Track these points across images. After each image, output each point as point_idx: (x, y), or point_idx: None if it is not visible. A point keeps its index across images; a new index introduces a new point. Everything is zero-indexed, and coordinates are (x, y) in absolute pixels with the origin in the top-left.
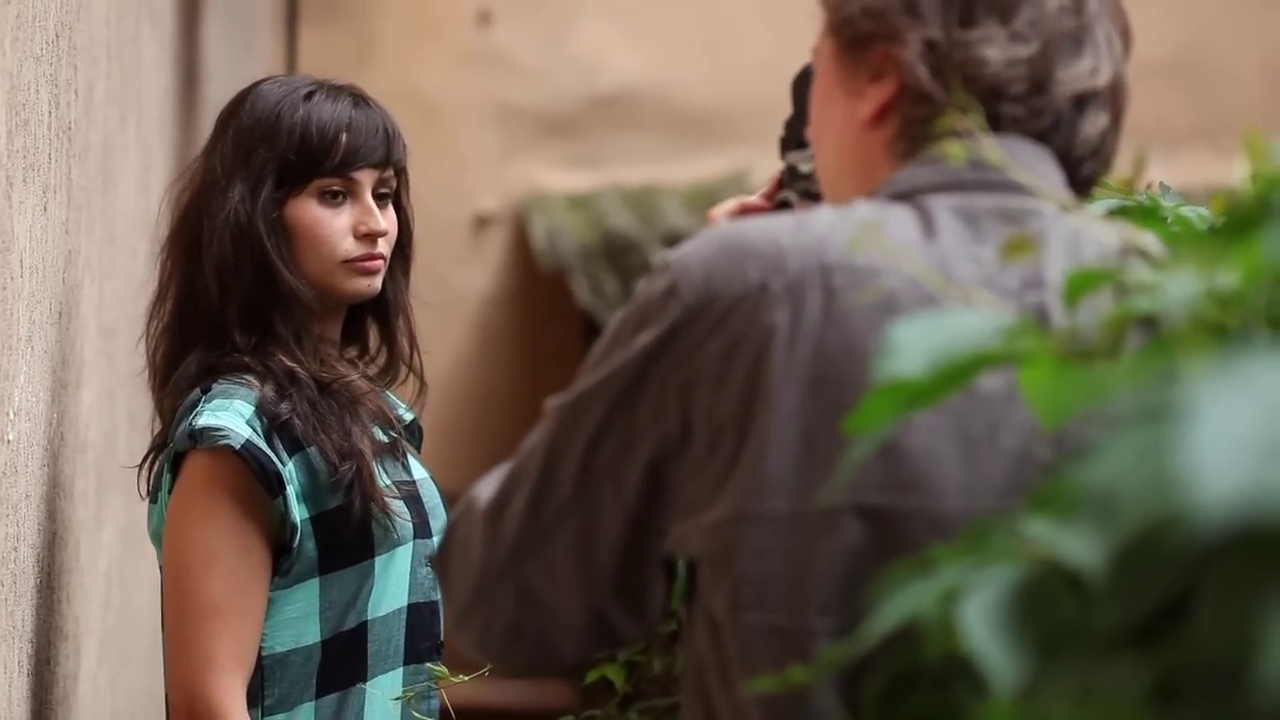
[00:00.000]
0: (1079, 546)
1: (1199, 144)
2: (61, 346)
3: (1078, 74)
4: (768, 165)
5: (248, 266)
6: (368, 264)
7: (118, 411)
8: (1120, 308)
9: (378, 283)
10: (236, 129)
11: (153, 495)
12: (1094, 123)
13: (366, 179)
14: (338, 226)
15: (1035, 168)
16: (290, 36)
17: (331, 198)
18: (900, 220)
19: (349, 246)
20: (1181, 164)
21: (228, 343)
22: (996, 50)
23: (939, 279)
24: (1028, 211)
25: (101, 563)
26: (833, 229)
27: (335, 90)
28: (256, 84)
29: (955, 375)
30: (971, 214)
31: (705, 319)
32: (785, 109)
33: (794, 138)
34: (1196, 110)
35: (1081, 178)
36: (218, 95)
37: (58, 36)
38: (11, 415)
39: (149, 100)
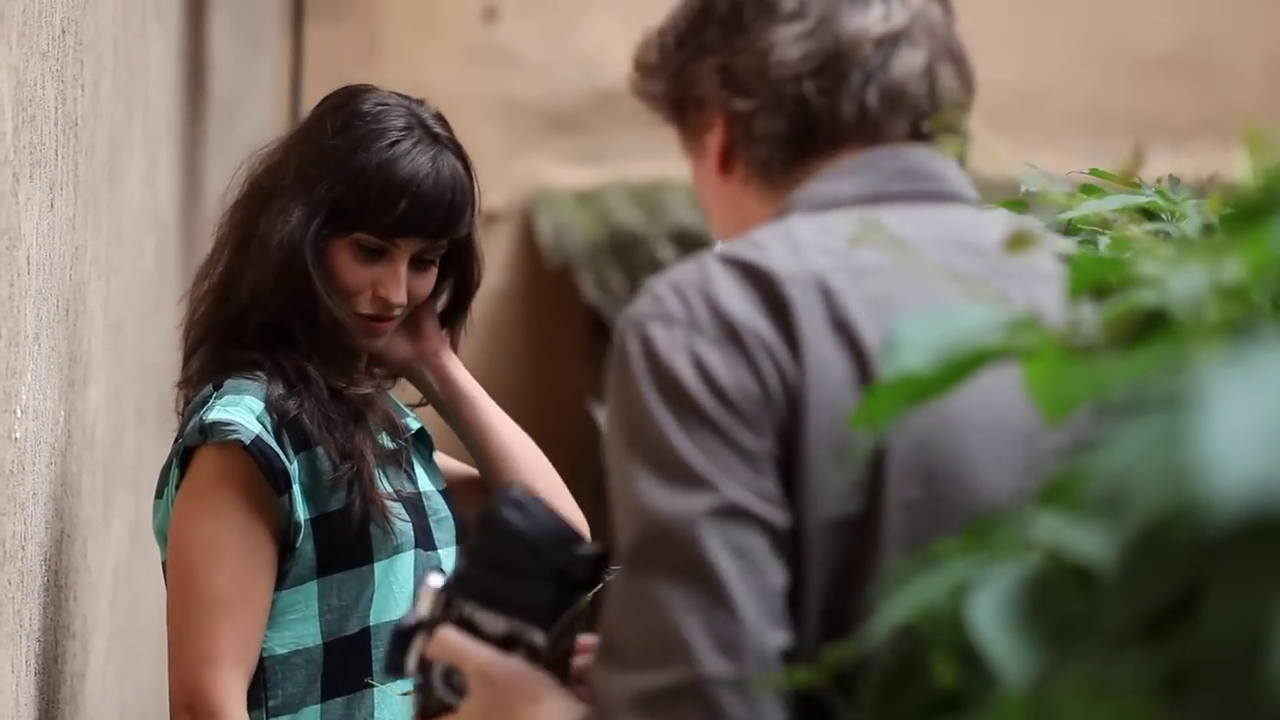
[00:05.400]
0: (1088, 539)
1: (1205, 137)
2: (69, 344)
3: (869, 23)
4: None
5: (284, 294)
6: (375, 325)
7: (125, 409)
8: (1126, 301)
9: (381, 342)
10: (321, 147)
11: (159, 490)
12: (906, 62)
13: (409, 248)
14: (359, 281)
15: (948, 173)
16: (297, 32)
17: (366, 253)
18: (838, 227)
19: (364, 302)
20: (1188, 157)
21: (246, 338)
22: (779, 35)
23: (937, 271)
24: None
25: (109, 560)
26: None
27: (427, 142)
28: (365, 94)
29: (959, 369)
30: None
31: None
32: None
33: (478, 590)
34: (1203, 104)
35: (922, 119)
36: (224, 91)
37: (64, 32)
38: (19, 413)
39: (155, 96)
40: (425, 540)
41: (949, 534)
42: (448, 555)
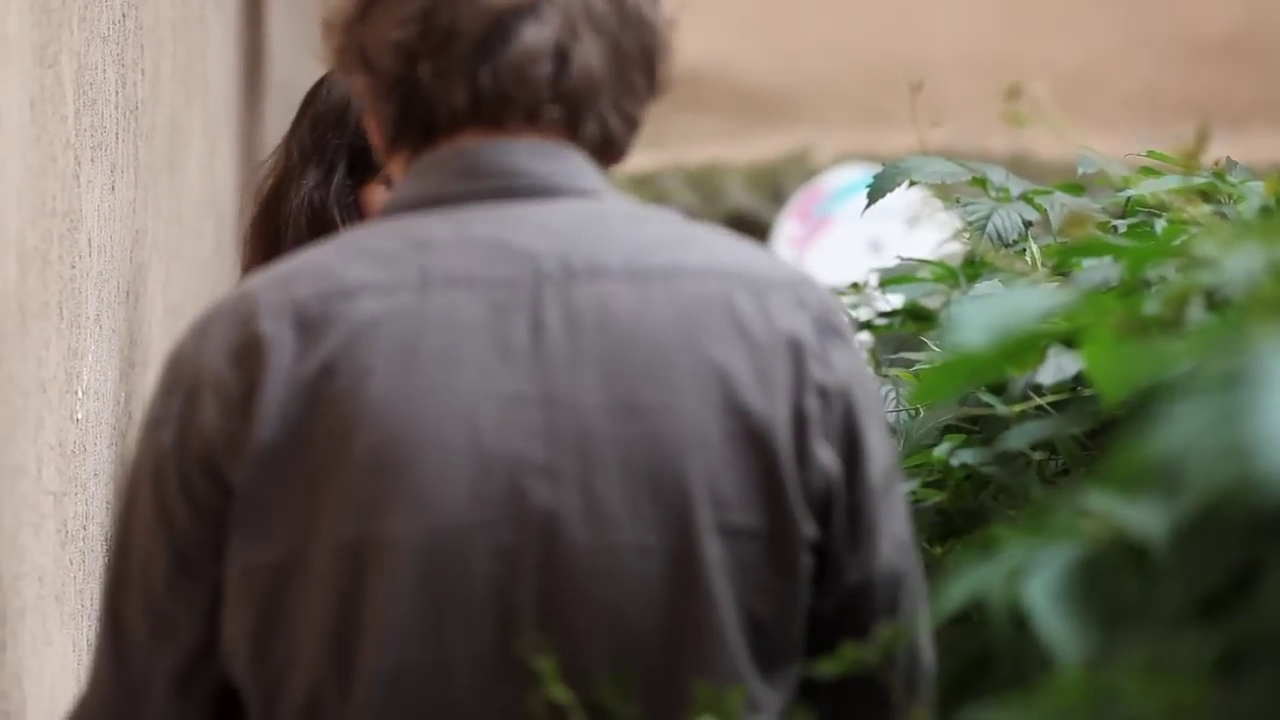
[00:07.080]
0: (1144, 518)
1: (1261, 121)
2: (129, 326)
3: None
4: (829, 144)
5: None
6: None
7: None
8: (1184, 282)
9: None
10: (313, 115)
11: None
12: (528, 41)
13: None
14: None
15: (528, 167)
16: None
17: None
18: (368, 241)
19: None
20: (1244, 141)
21: None
22: (404, 10)
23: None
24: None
25: None
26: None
27: None
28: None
29: (1017, 349)
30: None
31: None
32: (848, 88)
33: None
34: (1259, 87)
35: (545, 104)
36: (282, 75)
37: (124, 16)
38: (80, 394)
39: (214, 80)
40: None
41: (397, 580)
42: None
